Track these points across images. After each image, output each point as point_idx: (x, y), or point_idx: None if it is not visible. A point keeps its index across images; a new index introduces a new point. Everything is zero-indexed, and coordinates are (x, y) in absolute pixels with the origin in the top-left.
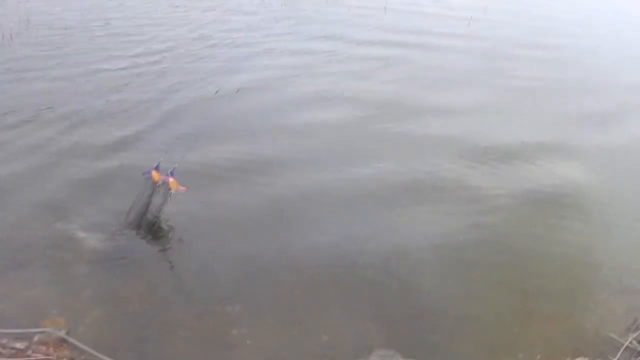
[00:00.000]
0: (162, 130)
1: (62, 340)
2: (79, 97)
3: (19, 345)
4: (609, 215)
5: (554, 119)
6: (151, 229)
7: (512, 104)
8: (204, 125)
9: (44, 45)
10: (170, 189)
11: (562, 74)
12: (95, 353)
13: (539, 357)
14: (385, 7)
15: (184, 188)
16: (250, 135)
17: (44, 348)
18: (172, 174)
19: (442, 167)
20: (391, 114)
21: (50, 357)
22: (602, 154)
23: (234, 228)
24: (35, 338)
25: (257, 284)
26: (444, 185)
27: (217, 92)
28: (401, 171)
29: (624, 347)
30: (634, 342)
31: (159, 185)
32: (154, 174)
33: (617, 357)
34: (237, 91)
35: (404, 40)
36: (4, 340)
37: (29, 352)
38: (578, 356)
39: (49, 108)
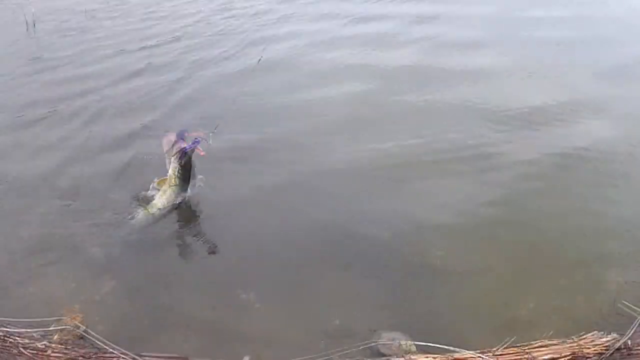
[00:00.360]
0: (182, 114)
1: (81, 337)
2: (96, 85)
3: (39, 344)
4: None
5: (581, 76)
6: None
7: (536, 62)
8: (223, 106)
9: (64, 32)
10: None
11: (586, 30)
12: (112, 348)
13: (551, 332)
14: None
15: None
16: (267, 114)
17: (62, 347)
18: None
19: (464, 135)
20: (411, 81)
21: (69, 356)
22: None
23: (250, 211)
24: (55, 336)
25: (271, 269)
26: (465, 155)
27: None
28: (420, 143)
29: (638, 319)
30: None
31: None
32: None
33: (632, 331)
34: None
35: None
36: (25, 340)
37: (49, 351)
38: (593, 330)
39: (66, 100)
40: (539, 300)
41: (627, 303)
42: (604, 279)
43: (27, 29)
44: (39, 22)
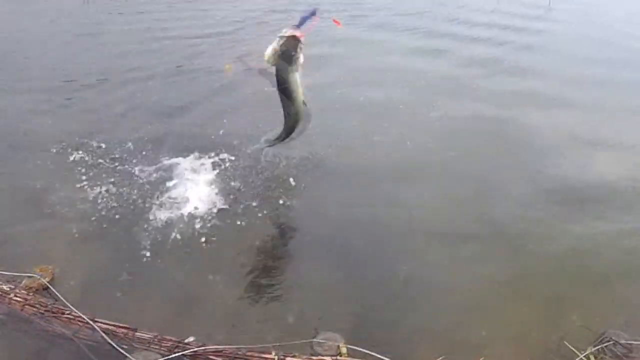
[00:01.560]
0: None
1: (45, 288)
2: (140, 65)
3: (5, 287)
4: None
5: None
6: None
7: (616, 128)
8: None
9: (117, 9)
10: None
11: None
12: (67, 304)
13: (482, 358)
14: None
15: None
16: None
17: (25, 292)
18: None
19: (520, 210)
20: (480, 136)
21: (28, 302)
22: None
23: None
24: (22, 282)
25: (243, 256)
26: (519, 241)
27: None
28: (466, 211)
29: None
30: (591, 356)
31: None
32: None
33: None
34: None
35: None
36: None
37: (12, 294)
38: None
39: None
40: (494, 328)
41: (567, 344)
42: (564, 319)
43: (84, 2)
44: None
